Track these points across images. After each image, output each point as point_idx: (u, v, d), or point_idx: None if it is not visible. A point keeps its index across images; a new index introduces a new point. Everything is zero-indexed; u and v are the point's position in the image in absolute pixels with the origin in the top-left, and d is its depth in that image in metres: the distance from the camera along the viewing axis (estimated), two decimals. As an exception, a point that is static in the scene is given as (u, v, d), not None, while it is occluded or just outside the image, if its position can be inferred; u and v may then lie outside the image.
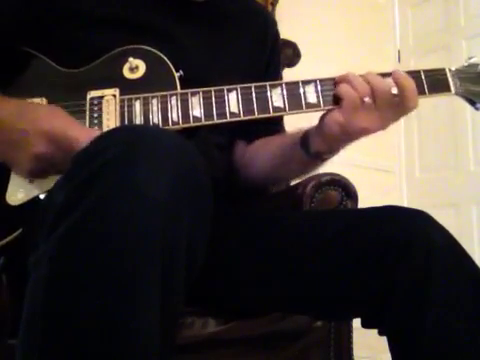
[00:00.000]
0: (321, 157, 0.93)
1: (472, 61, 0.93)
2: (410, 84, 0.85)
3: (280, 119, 1.15)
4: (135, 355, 0.52)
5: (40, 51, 0.91)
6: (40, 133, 0.76)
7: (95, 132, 0.78)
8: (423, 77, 0.89)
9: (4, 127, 0.78)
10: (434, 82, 0.90)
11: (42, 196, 0.79)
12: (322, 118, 0.87)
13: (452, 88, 0.91)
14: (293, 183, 1.16)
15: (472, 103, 0.93)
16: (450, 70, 0.92)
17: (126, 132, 0.62)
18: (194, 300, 0.79)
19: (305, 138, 0.93)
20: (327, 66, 2.45)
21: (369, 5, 3.13)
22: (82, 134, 0.75)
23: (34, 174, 0.78)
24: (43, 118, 0.77)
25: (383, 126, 0.85)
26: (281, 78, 1.30)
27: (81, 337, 0.52)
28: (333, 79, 0.87)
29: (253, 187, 1.12)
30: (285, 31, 1.20)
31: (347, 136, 0.86)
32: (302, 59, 1.58)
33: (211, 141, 0.99)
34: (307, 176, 1.06)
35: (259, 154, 1.08)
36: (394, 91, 0.84)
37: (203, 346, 0.97)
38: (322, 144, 0.89)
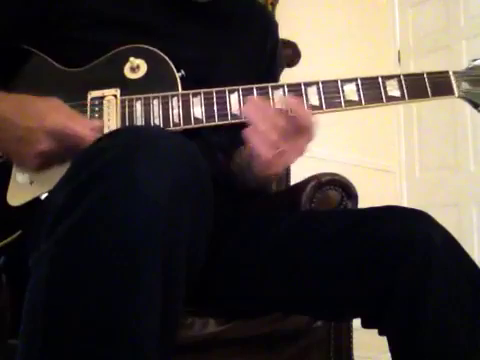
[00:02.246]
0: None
1: (475, 63, 0.92)
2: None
3: None
4: (135, 355, 0.52)
5: (41, 50, 0.91)
6: (44, 130, 0.77)
7: (95, 123, 0.81)
8: (426, 80, 0.89)
9: (9, 124, 0.78)
10: (437, 85, 0.89)
11: (43, 197, 0.79)
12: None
13: (455, 91, 0.90)
14: (293, 183, 1.16)
15: (475, 106, 0.93)
16: (454, 72, 0.91)
17: (127, 133, 0.62)
18: (194, 300, 0.79)
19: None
20: (327, 66, 2.45)
21: (369, 5, 3.13)
22: (84, 128, 0.77)
23: (40, 170, 0.80)
24: (45, 113, 0.78)
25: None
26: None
27: (82, 337, 0.52)
28: (336, 81, 0.87)
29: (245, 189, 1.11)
30: (285, 31, 1.20)
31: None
32: (302, 59, 1.58)
33: (213, 142, 0.99)
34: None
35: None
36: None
37: (203, 346, 0.97)
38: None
